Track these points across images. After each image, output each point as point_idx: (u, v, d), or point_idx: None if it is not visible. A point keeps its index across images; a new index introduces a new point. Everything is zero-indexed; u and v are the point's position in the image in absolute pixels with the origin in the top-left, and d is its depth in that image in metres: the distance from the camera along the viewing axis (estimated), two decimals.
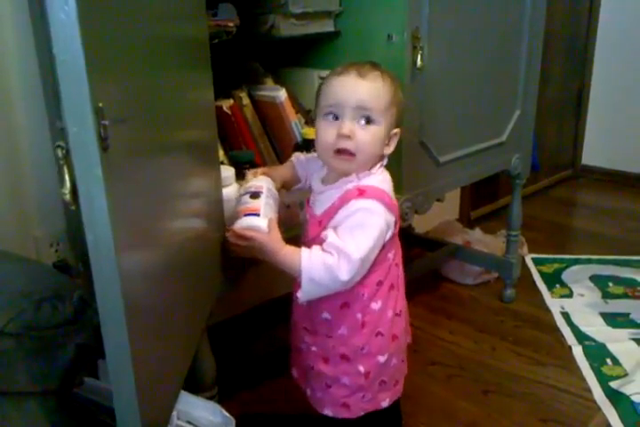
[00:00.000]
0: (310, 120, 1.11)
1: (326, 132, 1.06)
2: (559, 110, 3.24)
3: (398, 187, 1.41)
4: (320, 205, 1.12)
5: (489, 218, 2.81)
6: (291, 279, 1.10)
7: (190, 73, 1.02)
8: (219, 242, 1.14)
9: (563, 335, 1.90)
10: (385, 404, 1.20)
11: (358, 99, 1.03)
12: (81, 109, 0.60)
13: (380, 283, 1.12)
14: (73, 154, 0.62)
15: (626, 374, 1.70)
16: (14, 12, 1.23)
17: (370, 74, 1.05)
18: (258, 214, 1.08)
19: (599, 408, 1.57)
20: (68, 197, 0.65)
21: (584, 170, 3.46)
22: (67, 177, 0.65)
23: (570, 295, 2.15)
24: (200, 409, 1.04)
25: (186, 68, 0.99)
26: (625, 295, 2.14)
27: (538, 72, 1.83)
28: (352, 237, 1.03)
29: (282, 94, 1.43)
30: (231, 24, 1.27)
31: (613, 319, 1.98)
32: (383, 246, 1.08)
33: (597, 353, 1.80)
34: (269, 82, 1.50)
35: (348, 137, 1.04)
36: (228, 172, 1.23)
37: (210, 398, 1.20)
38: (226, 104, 1.38)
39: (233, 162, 1.34)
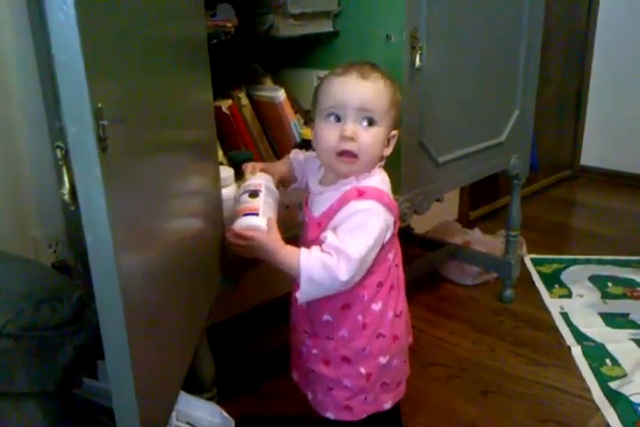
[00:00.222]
0: (310, 120, 1.10)
1: (328, 134, 1.05)
2: (558, 111, 3.24)
3: (397, 187, 1.42)
4: (318, 206, 1.11)
5: (488, 218, 2.81)
6: (290, 280, 1.10)
7: (189, 73, 1.02)
8: (218, 242, 1.14)
9: (562, 336, 1.90)
10: (387, 405, 1.20)
11: (361, 100, 1.03)
12: (80, 110, 0.60)
13: (380, 284, 1.11)
14: (72, 154, 0.62)
15: (625, 375, 1.70)
16: (13, 13, 1.23)
17: (371, 75, 1.05)
18: (257, 214, 1.07)
19: (598, 409, 1.57)
20: (67, 197, 0.65)
21: (583, 170, 3.46)
22: (66, 177, 0.65)
23: (569, 296, 2.15)
24: (199, 410, 1.04)
25: (185, 69, 0.99)
26: (624, 296, 2.14)
27: (537, 72, 1.83)
28: (352, 237, 1.03)
29: (281, 95, 1.43)
30: (230, 24, 1.27)
31: (613, 320, 1.98)
32: (383, 247, 1.08)
33: (597, 353, 1.80)
34: (268, 82, 1.49)
35: (352, 139, 1.03)
36: (227, 172, 1.23)
37: (209, 399, 1.20)
38: (225, 104, 1.37)
39: (232, 162, 1.34)
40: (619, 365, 1.75)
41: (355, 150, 1.04)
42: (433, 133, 1.52)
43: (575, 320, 1.98)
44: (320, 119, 1.07)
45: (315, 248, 1.05)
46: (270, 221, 1.07)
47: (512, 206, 2.00)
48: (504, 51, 1.71)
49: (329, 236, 1.04)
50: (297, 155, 1.26)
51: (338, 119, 1.05)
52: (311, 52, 1.54)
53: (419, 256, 2.21)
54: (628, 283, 2.23)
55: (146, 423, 0.75)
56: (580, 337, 1.89)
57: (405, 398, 1.26)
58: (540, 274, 2.31)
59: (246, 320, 1.86)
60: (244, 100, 1.43)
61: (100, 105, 0.61)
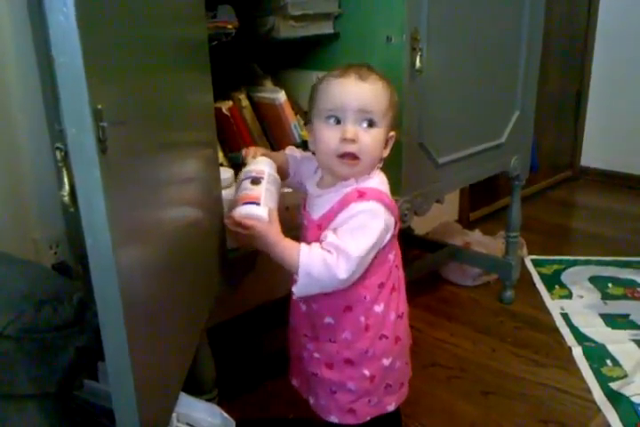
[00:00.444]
0: (309, 122, 1.10)
1: (329, 137, 1.04)
2: (558, 112, 3.25)
3: (397, 188, 1.42)
4: (317, 209, 1.11)
5: (488, 219, 2.81)
6: (290, 281, 1.10)
7: (189, 75, 1.02)
8: (218, 244, 1.14)
9: (562, 336, 1.90)
10: (391, 408, 1.19)
11: (361, 102, 1.03)
12: (80, 111, 0.60)
13: (381, 285, 1.11)
14: (72, 156, 0.62)
15: (626, 375, 1.70)
16: (13, 15, 1.23)
17: (369, 77, 1.04)
18: (258, 203, 1.05)
19: (599, 409, 1.57)
20: (66, 199, 0.65)
21: (583, 171, 3.46)
22: (65, 179, 0.65)
23: (569, 296, 2.15)
24: (200, 411, 1.04)
25: (185, 70, 0.99)
26: (624, 296, 2.14)
27: (537, 73, 1.83)
28: (352, 237, 1.02)
29: (281, 96, 1.43)
30: (230, 26, 1.27)
31: (613, 320, 1.98)
32: (383, 248, 1.08)
33: (597, 354, 1.80)
34: (268, 84, 1.50)
35: (352, 141, 1.03)
36: (227, 173, 1.23)
37: (210, 401, 1.20)
38: (225, 106, 1.38)
39: (232, 164, 1.34)
40: (619, 365, 1.74)
41: (356, 152, 1.04)
42: (433, 134, 1.52)
43: (576, 321, 1.98)
44: (319, 122, 1.06)
45: (315, 245, 1.04)
46: (271, 212, 1.05)
47: (512, 207, 2.00)
48: (504, 52, 1.71)
49: (329, 235, 1.04)
50: (293, 151, 1.25)
51: (337, 121, 1.04)
52: (312, 54, 1.55)
53: (419, 257, 2.21)
54: (629, 284, 2.22)
55: (146, 424, 0.75)
56: (580, 338, 1.89)
57: (405, 398, 1.26)
58: (541, 275, 2.31)
59: (247, 321, 1.86)
60: (245, 102, 1.43)
61: (99, 106, 0.61)
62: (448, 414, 1.58)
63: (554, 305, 2.09)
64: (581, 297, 2.14)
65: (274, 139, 1.48)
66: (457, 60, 1.54)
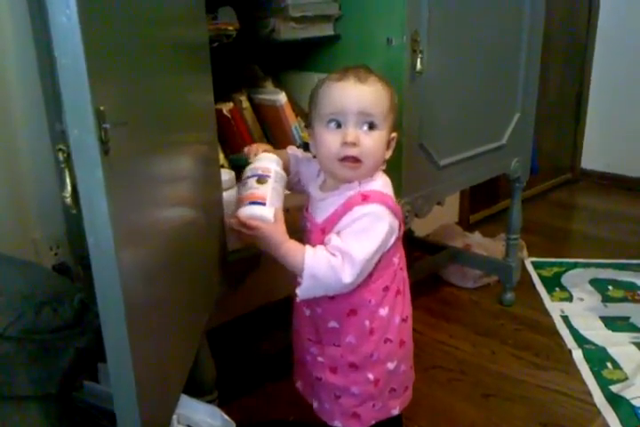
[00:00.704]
0: (309, 125, 1.10)
1: (330, 141, 1.04)
2: (558, 114, 3.25)
3: (398, 190, 1.41)
4: (321, 212, 1.10)
5: (488, 221, 2.81)
6: (293, 282, 1.10)
7: (190, 76, 1.02)
8: (218, 244, 1.14)
9: (563, 339, 1.90)
10: (395, 411, 1.19)
11: (361, 104, 1.02)
12: (82, 112, 0.60)
13: (386, 288, 1.10)
14: (74, 157, 0.62)
15: (626, 378, 1.69)
16: (14, 16, 1.23)
17: (368, 79, 1.04)
18: (264, 203, 1.04)
19: (599, 412, 1.57)
20: (68, 200, 0.65)
21: (583, 174, 3.46)
22: (67, 180, 0.65)
23: (569, 299, 2.15)
24: (200, 413, 1.04)
25: (186, 72, 0.99)
26: (625, 299, 2.14)
27: (537, 75, 1.83)
28: (357, 240, 1.02)
29: (282, 98, 1.43)
30: (231, 28, 1.27)
31: (613, 323, 1.98)
32: (388, 251, 1.07)
33: (597, 357, 1.80)
34: (269, 85, 1.50)
35: (354, 144, 1.02)
36: (227, 175, 1.23)
37: (210, 402, 1.20)
38: (226, 107, 1.38)
39: (233, 165, 1.34)
40: (620, 368, 1.74)
41: (357, 155, 1.03)
42: (434, 136, 1.52)
43: (576, 323, 1.98)
44: (320, 126, 1.06)
45: (320, 247, 1.04)
46: (277, 212, 1.05)
47: (512, 210, 2.00)
48: (505, 54, 1.71)
49: (333, 238, 1.04)
50: (294, 151, 1.24)
51: (338, 125, 1.04)
52: (312, 56, 1.55)
53: (419, 259, 2.21)
54: (629, 286, 2.22)
55: (146, 425, 0.75)
56: (580, 340, 1.88)
57: None
58: (541, 277, 2.31)
59: (248, 322, 1.86)
60: (246, 103, 1.43)
61: (102, 108, 0.61)
62: (448, 416, 1.57)
63: (554, 307, 2.09)
64: (582, 300, 2.14)
65: (274, 140, 1.48)
66: (457, 62, 1.54)
